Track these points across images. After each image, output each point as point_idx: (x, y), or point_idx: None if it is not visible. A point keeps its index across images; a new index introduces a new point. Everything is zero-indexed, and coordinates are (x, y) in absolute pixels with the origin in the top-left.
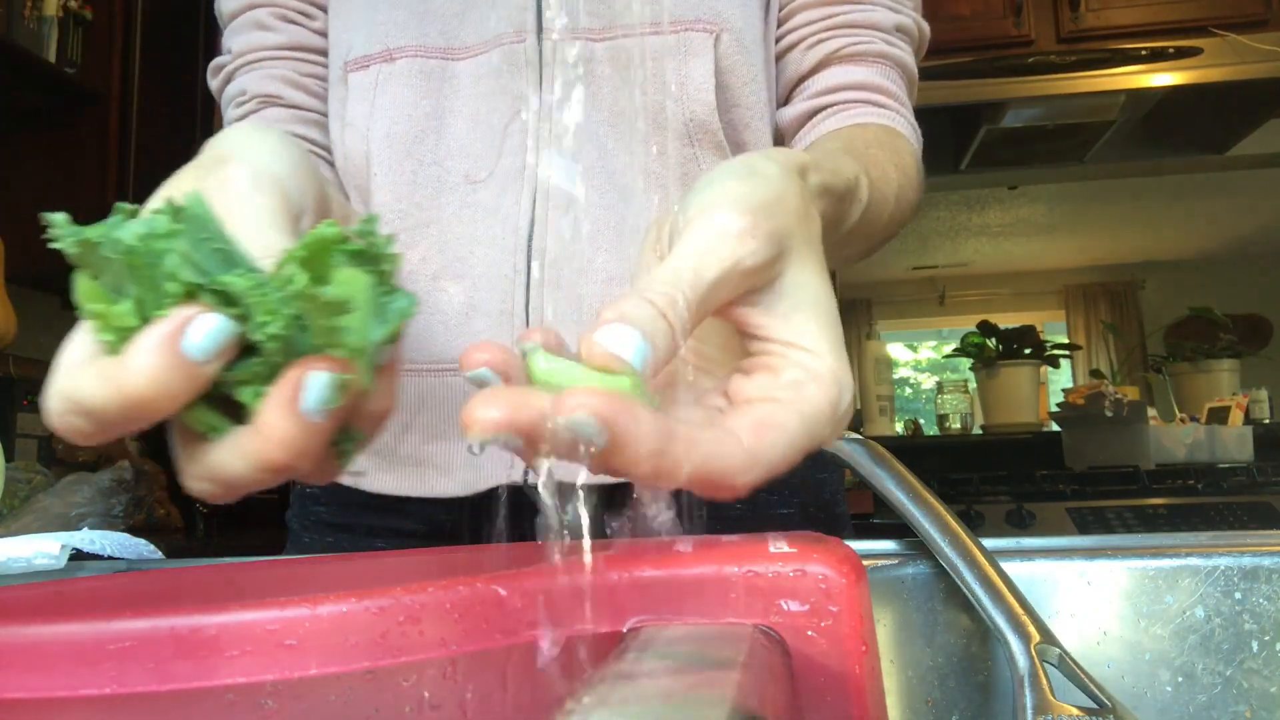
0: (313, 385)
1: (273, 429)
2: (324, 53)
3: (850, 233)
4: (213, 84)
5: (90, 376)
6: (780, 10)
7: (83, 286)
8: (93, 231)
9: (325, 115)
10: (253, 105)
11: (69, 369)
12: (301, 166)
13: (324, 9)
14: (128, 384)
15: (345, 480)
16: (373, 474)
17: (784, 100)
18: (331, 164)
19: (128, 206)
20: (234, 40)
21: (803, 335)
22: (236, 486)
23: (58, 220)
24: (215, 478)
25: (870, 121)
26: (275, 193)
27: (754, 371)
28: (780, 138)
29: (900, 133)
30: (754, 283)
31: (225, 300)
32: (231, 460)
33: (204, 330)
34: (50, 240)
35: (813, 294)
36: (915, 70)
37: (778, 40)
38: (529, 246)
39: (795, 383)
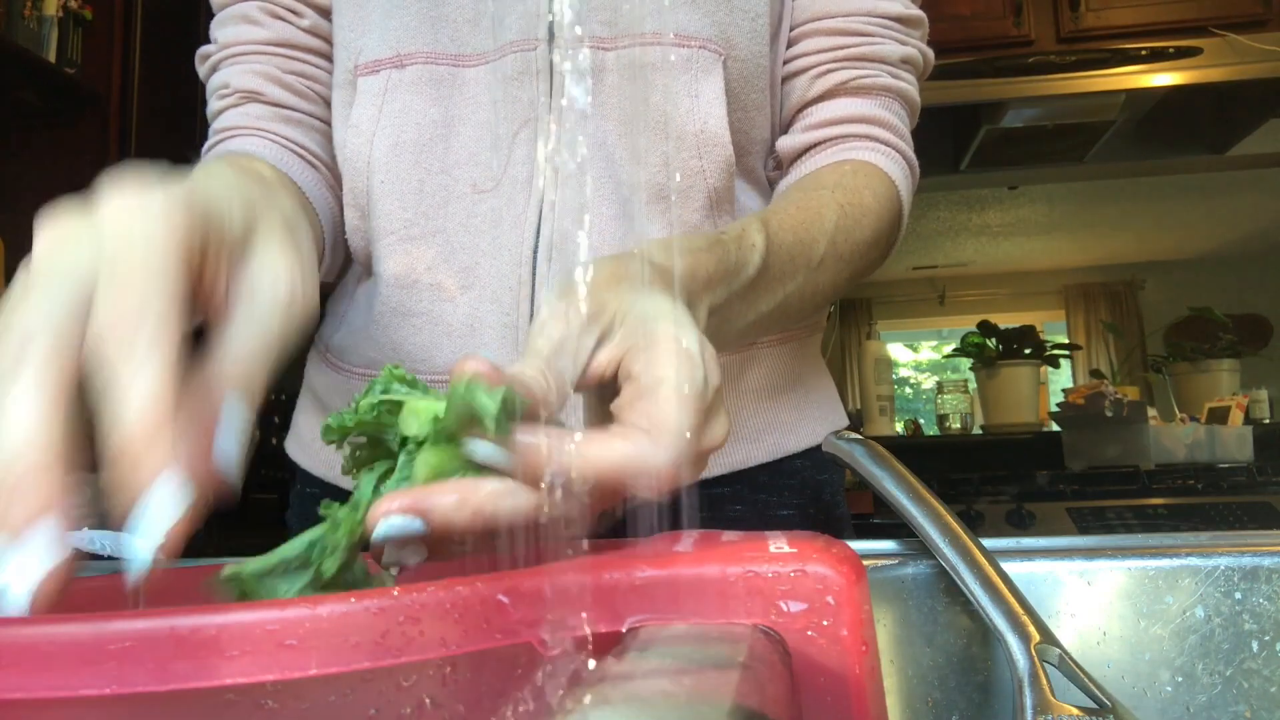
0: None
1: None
2: (312, 51)
3: (769, 273)
4: (200, 71)
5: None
6: (791, 30)
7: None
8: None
9: (308, 115)
10: (234, 99)
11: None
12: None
13: (316, 9)
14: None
15: (344, 484)
16: None
17: (786, 124)
18: (313, 164)
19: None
20: (221, 31)
21: (642, 336)
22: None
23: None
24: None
25: (851, 158)
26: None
27: (623, 384)
28: (778, 164)
29: (879, 170)
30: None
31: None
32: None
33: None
34: None
35: (641, 310)
36: (918, 99)
37: (785, 62)
38: (534, 258)
39: (655, 371)
